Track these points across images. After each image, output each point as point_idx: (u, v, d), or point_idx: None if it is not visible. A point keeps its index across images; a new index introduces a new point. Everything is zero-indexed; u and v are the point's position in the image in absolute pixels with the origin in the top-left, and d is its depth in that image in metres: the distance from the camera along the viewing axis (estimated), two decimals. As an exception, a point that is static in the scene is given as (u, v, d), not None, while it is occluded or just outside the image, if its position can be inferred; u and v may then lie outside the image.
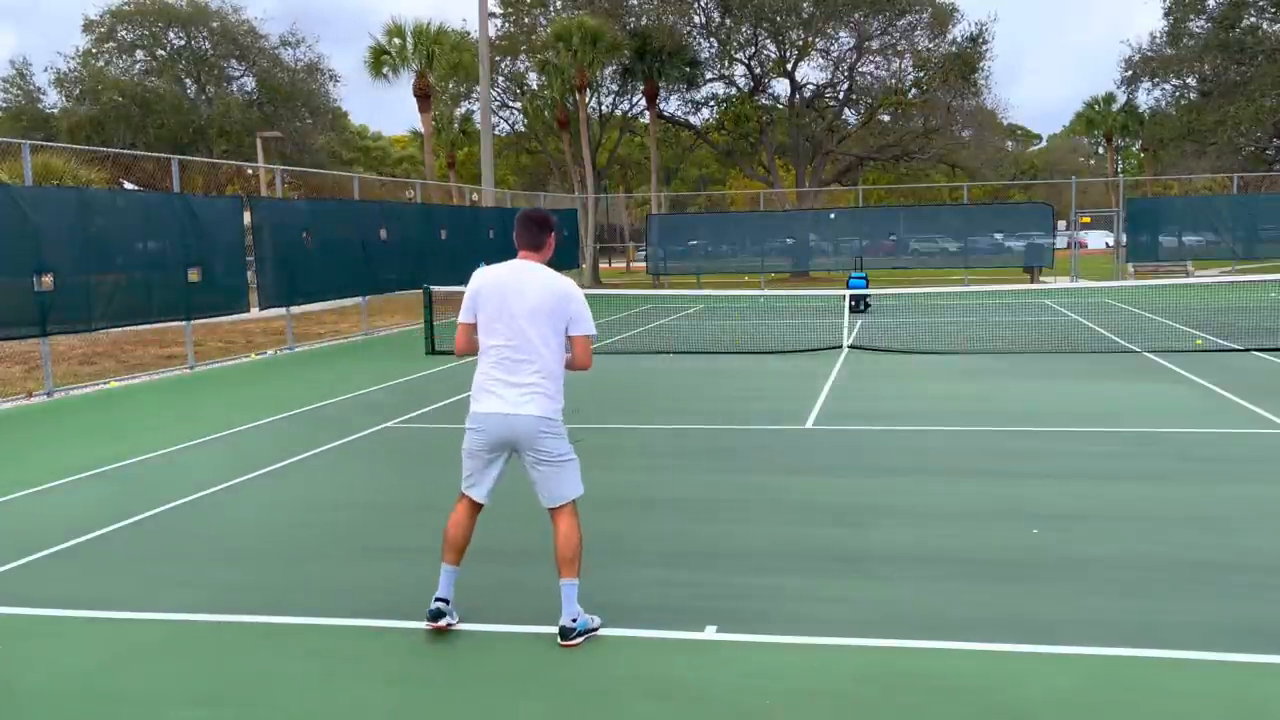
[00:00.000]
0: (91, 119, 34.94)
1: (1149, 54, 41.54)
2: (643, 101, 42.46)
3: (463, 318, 4.90)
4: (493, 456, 4.83)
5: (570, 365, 4.85)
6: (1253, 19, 38.31)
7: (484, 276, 4.88)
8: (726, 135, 45.67)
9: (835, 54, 42.71)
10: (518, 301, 4.71)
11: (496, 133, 41.99)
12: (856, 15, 40.53)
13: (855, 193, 44.62)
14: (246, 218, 17.37)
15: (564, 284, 4.80)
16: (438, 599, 4.82)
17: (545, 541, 6.34)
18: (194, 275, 15.28)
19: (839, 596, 5.27)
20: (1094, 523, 6.43)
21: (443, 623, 4.82)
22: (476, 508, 4.93)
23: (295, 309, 18.58)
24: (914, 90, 43.19)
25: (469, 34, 38.02)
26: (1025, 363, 14.11)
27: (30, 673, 4.58)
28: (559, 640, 4.69)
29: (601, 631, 4.86)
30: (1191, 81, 41.66)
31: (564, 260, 33.86)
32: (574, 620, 4.73)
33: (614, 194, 58.11)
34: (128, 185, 28.19)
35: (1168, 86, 42.99)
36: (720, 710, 4.04)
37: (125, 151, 25.81)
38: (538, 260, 4.87)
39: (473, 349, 4.88)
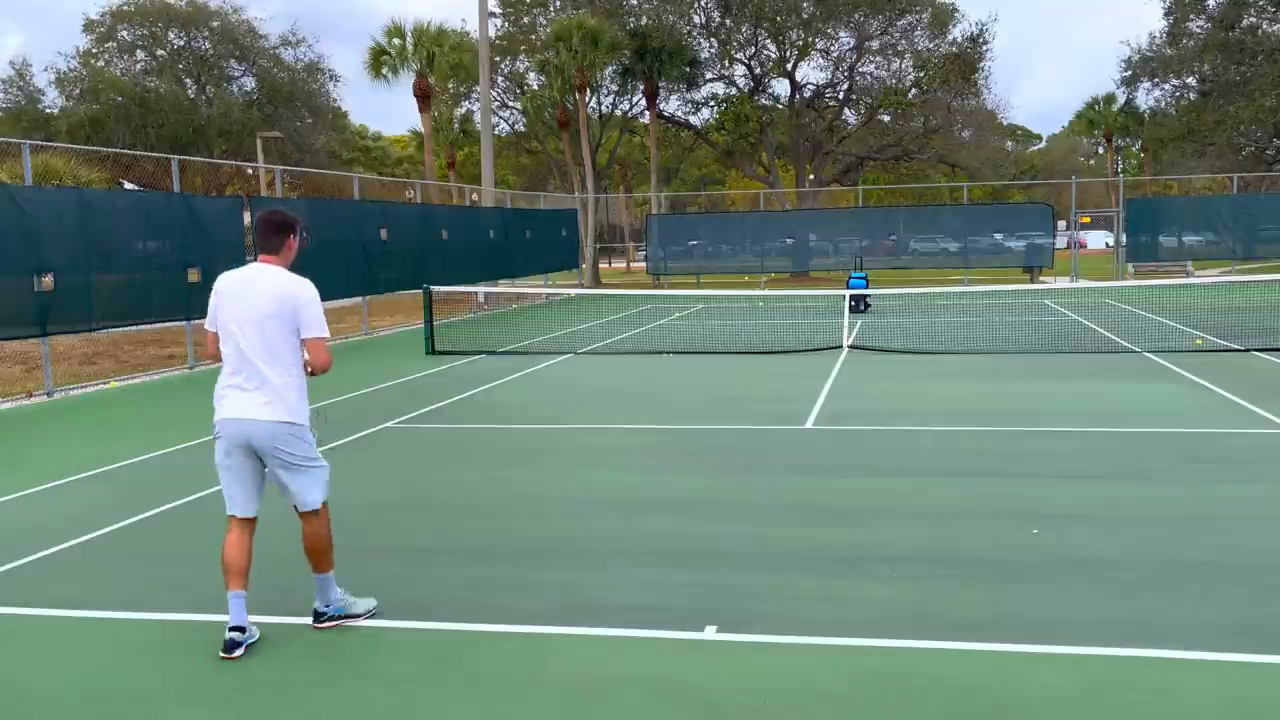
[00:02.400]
0: (91, 119, 34.92)
1: (1149, 54, 41.54)
2: (643, 101, 42.47)
3: (208, 324, 4.84)
4: (240, 465, 4.73)
5: (310, 369, 4.76)
6: (1253, 19, 38.30)
7: (223, 282, 4.81)
8: (726, 135, 45.66)
9: (835, 54, 42.77)
10: (249, 306, 4.65)
11: (496, 133, 42.00)
12: (856, 15, 40.53)
13: (855, 193, 44.61)
14: (246, 218, 17.39)
15: (294, 287, 4.68)
16: (232, 628, 4.64)
17: (545, 541, 6.36)
18: (194, 275, 15.29)
19: (839, 596, 5.27)
20: (1094, 523, 6.43)
21: (239, 652, 4.62)
22: (247, 524, 4.81)
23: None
24: (914, 90, 43.20)
25: (469, 34, 38.02)
26: (1025, 363, 14.11)
27: (30, 673, 4.58)
28: (311, 623, 4.88)
29: (601, 631, 4.85)
30: (1191, 81, 41.65)
31: (563, 260, 33.89)
32: (327, 605, 4.88)
33: (614, 194, 58.13)
34: (128, 185, 28.17)
35: (1168, 86, 43.00)
36: (720, 710, 4.04)
37: (125, 151, 25.79)
38: (276, 263, 4.78)
39: (219, 355, 4.80)
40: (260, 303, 4.64)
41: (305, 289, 4.70)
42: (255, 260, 4.85)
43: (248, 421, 4.64)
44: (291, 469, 4.72)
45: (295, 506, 4.83)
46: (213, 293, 4.82)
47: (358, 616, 4.91)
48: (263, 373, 4.64)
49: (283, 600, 5.28)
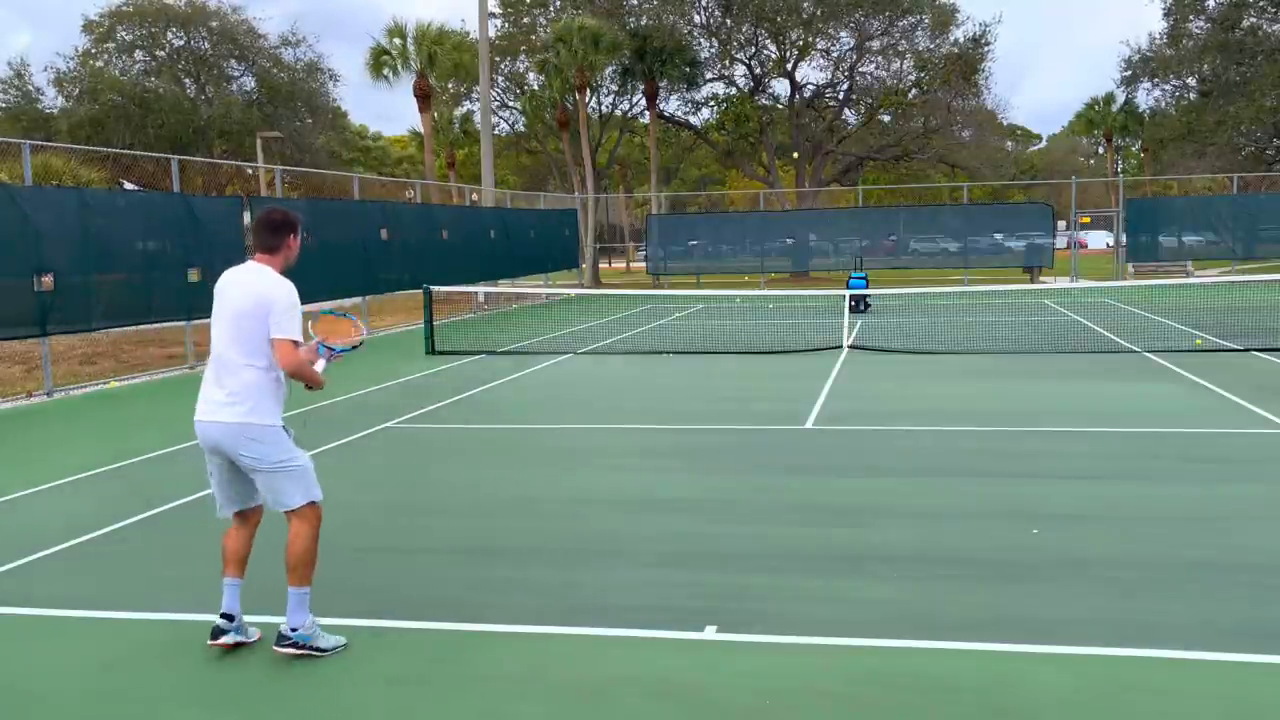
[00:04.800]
0: (91, 119, 34.89)
1: (1149, 54, 41.54)
2: (643, 101, 42.47)
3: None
4: (217, 467, 4.68)
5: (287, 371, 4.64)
6: (1253, 19, 38.29)
7: (220, 280, 4.78)
8: (726, 135, 45.67)
9: (836, 54, 42.77)
10: (227, 305, 4.60)
11: (496, 133, 42.01)
12: (857, 15, 40.53)
13: (855, 193, 44.62)
14: (246, 218, 17.38)
15: (269, 286, 4.56)
16: (222, 614, 4.61)
17: (545, 541, 6.36)
18: (194, 275, 15.29)
19: (839, 596, 5.27)
20: (1094, 523, 6.43)
21: (225, 640, 4.59)
22: (244, 520, 4.76)
23: (295, 309, 18.62)
24: (914, 91, 43.20)
25: (469, 34, 38.04)
26: (1025, 363, 14.11)
27: (30, 673, 4.58)
28: (274, 644, 4.56)
29: (602, 631, 4.85)
30: (1191, 82, 41.64)
31: (563, 260, 33.89)
32: (293, 629, 4.55)
33: (614, 194, 58.13)
34: (128, 185, 28.17)
35: (1168, 87, 42.99)
36: (720, 710, 4.04)
37: (125, 151, 25.80)
38: (271, 262, 4.67)
39: None
40: (236, 302, 4.57)
41: (280, 288, 4.57)
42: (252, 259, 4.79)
43: (211, 424, 4.56)
44: (261, 472, 4.57)
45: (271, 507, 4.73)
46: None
47: (323, 652, 4.57)
48: (232, 373, 4.55)
49: (284, 600, 5.27)
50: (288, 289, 4.59)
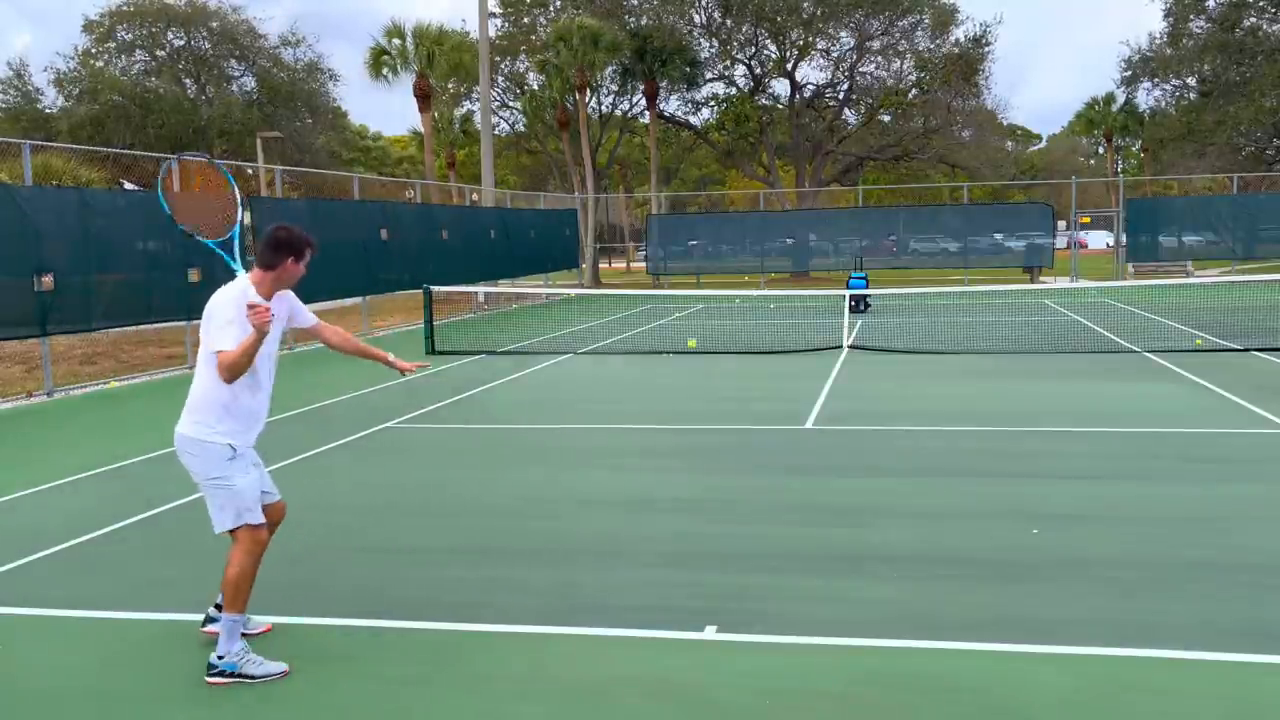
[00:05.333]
0: (91, 119, 34.90)
1: (1149, 54, 41.54)
2: (643, 101, 42.47)
3: None
4: None
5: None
6: (1253, 19, 38.30)
7: None
8: (726, 135, 45.66)
9: (836, 54, 42.77)
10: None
11: (496, 133, 42.01)
12: (857, 15, 40.54)
13: (855, 193, 44.63)
14: (247, 217, 17.34)
15: (219, 297, 4.46)
16: (216, 605, 4.65)
17: (545, 541, 6.36)
18: (194, 275, 15.28)
19: (839, 596, 5.27)
20: (1094, 523, 6.43)
21: (212, 628, 4.62)
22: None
23: (295, 309, 18.60)
24: (914, 91, 43.20)
25: (469, 34, 38.03)
26: (1025, 363, 14.11)
27: (30, 673, 4.58)
28: (205, 675, 4.40)
29: (602, 631, 4.84)
30: (1191, 82, 41.66)
31: (563, 260, 33.89)
32: (220, 657, 4.39)
33: (614, 194, 58.13)
34: (128, 185, 28.19)
35: (1168, 87, 43.00)
36: (720, 710, 4.04)
37: (125, 151, 25.80)
38: (261, 280, 4.54)
39: None
40: (204, 315, 4.50)
41: (224, 299, 4.43)
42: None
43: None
44: (200, 487, 4.55)
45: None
46: None
47: (253, 679, 4.35)
48: (194, 382, 4.55)
49: (284, 600, 5.28)
50: (224, 300, 4.42)
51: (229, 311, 4.39)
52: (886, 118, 45.20)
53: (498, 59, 40.64)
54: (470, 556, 6.14)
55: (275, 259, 4.57)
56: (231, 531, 4.50)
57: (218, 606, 4.62)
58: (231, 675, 4.37)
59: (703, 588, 5.41)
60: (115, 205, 14.78)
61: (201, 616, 4.89)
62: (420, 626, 4.95)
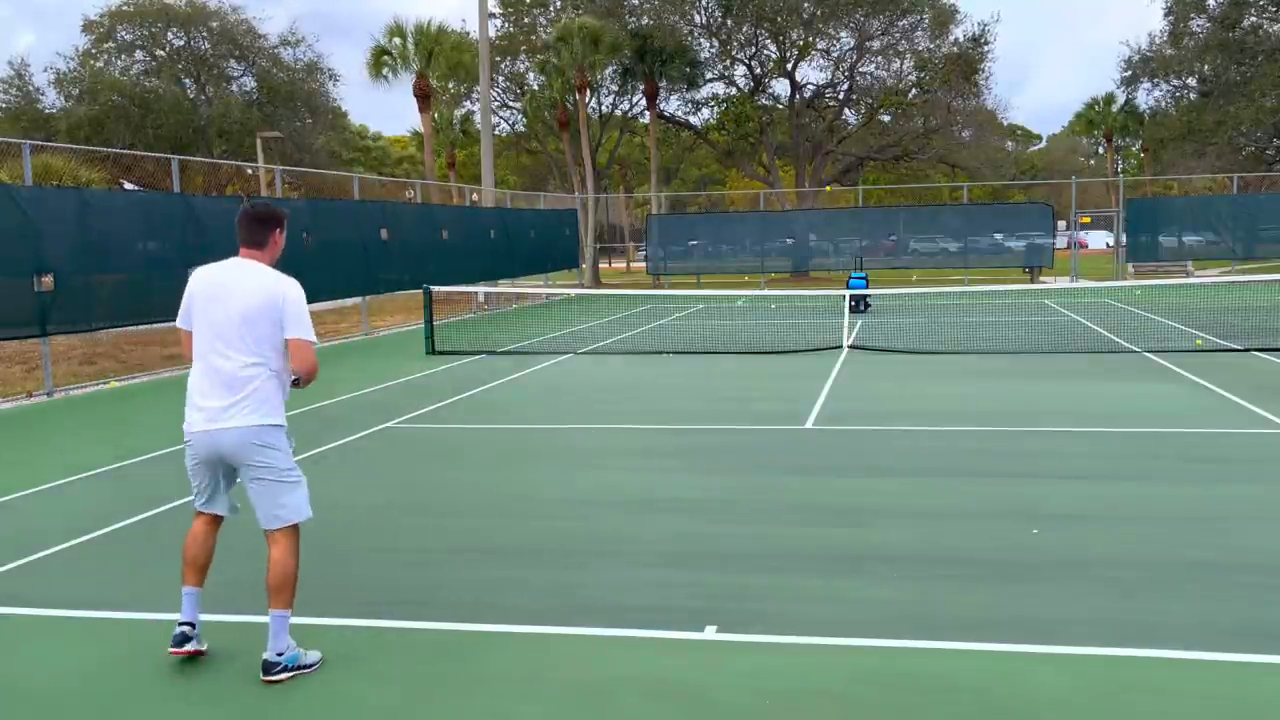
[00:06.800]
0: (91, 119, 34.88)
1: (1149, 54, 41.54)
2: (643, 101, 42.48)
3: (180, 323, 4.56)
4: (213, 473, 4.52)
5: (295, 374, 4.48)
6: (1253, 19, 38.29)
7: (197, 278, 4.52)
8: (726, 135, 45.66)
9: (836, 54, 42.78)
10: (228, 304, 4.36)
11: (496, 133, 42.01)
12: (857, 15, 40.53)
13: (855, 193, 44.64)
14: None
15: (279, 284, 4.41)
16: (182, 624, 4.50)
17: (545, 541, 6.35)
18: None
19: (839, 596, 5.27)
20: (1094, 523, 6.43)
21: (189, 648, 4.49)
22: (216, 521, 4.63)
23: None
24: (914, 91, 43.20)
25: (469, 34, 38.03)
26: (1025, 363, 14.11)
27: (30, 673, 4.58)
28: (261, 675, 4.31)
29: (602, 631, 4.85)
30: (1191, 81, 41.64)
31: (563, 260, 33.89)
32: (279, 654, 4.34)
33: (614, 194, 58.13)
34: (128, 185, 28.20)
35: (1168, 86, 42.99)
36: (720, 710, 4.04)
37: (125, 151, 25.81)
38: (260, 258, 4.50)
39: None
40: (242, 300, 4.35)
41: (292, 287, 4.43)
42: (236, 255, 4.56)
43: (217, 432, 4.37)
44: (263, 480, 4.41)
45: (261, 523, 4.51)
46: (186, 290, 4.52)
47: (309, 668, 4.41)
48: (240, 374, 4.36)
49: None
50: (299, 287, 4.46)
51: (302, 295, 4.45)
52: (886, 118, 45.21)
53: (498, 59, 40.64)
54: (471, 556, 6.13)
55: (264, 234, 4.57)
56: (282, 529, 4.42)
57: (190, 625, 4.51)
58: (294, 669, 4.36)
59: (703, 588, 5.41)
60: (115, 205, 14.79)
61: (201, 616, 4.89)
62: (420, 626, 4.95)
